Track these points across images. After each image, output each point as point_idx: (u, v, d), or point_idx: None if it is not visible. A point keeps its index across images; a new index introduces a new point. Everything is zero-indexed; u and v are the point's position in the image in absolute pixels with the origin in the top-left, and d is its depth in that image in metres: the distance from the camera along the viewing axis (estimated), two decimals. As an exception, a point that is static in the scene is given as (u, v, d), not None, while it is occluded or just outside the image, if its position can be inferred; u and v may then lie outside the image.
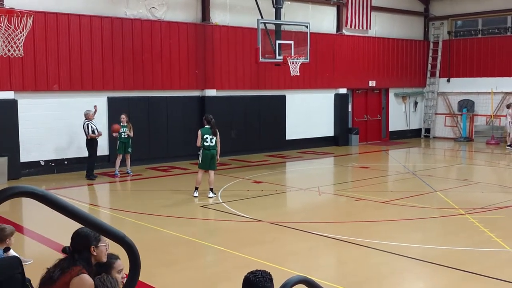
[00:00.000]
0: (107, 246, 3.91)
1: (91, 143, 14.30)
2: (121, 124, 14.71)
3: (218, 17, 18.42)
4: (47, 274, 3.82)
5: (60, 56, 15.15)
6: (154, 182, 14.23)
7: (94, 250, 3.88)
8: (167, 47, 17.17)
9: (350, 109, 22.92)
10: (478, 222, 9.76)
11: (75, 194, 12.42)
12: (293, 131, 20.60)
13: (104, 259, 3.93)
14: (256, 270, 3.43)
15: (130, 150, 14.93)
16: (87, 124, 14.20)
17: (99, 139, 14.71)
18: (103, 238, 3.88)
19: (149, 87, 16.96)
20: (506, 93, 23.16)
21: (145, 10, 16.86)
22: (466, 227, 9.60)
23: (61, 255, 3.97)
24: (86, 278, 3.71)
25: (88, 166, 14.47)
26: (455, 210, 10.75)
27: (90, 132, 14.13)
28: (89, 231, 3.86)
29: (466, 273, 7.24)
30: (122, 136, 14.71)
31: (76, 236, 3.91)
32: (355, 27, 22.52)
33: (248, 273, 3.40)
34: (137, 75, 16.63)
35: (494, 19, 24.29)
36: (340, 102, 22.15)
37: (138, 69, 16.63)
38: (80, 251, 3.84)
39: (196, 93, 18.13)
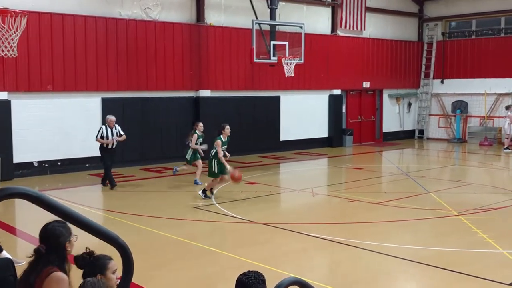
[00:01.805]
0: (76, 239, 3.83)
1: (101, 148, 13.29)
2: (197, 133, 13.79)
3: (213, 18, 18.43)
4: (23, 277, 3.74)
5: (54, 56, 15.11)
6: (148, 184, 14.22)
7: (68, 246, 3.80)
8: (161, 48, 17.16)
9: (344, 110, 22.97)
10: (471, 223, 9.81)
11: (68, 195, 12.39)
12: (287, 132, 20.62)
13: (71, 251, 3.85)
14: (249, 271, 3.44)
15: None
16: (100, 128, 13.32)
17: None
18: (72, 230, 3.78)
19: (143, 88, 16.94)
20: (500, 94, 23.27)
21: (139, 11, 16.85)
22: (459, 228, 9.64)
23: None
24: (59, 275, 3.64)
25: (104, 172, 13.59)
26: (448, 211, 10.80)
27: (99, 136, 13.10)
28: (61, 227, 3.74)
29: (459, 274, 7.27)
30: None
31: (49, 235, 3.77)
32: (349, 28, 22.57)
33: (240, 274, 3.41)
34: (131, 76, 16.61)
35: (488, 20, 24.40)
36: (334, 103, 22.19)
37: (132, 70, 16.62)
38: (55, 250, 3.74)
39: (190, 93, 18.12)
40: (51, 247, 3.74)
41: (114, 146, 13.21)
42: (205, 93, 18.26)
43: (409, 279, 7.48)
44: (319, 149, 21.15)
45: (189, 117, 17.79)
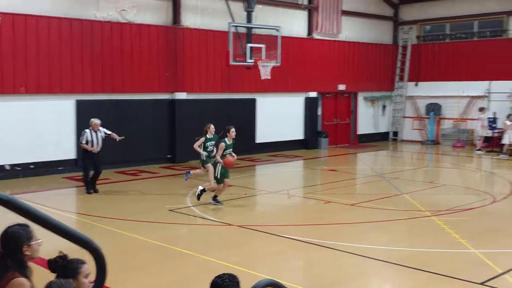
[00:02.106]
0: (40, 243, 3.74)
1: (84, 153, 12.86)
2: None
3: (189, 20, 18.39)
4: None
5: (28, 58, 14.91)
6: (123, 186, 14.11)
7: (27, 250, 3.67)
8: (137, 50, 17.06)
9: (319, 113, 23.10)
10: (444, 224, 9.96)
11: (41, 199, 12.23)
12: (263, 134, 20.67)
13: (37, 257, 3.76)
14: (223, 273, 3.45)
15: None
16: (84, 132, 12.79)
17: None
18: (35, 235, 3.69)
19: (118, 90, 16.82)
20: (473, 97, 23.64)
21: (115, 13, 16.73)
22: (432, 229, 9.78)
23: None
24: (21, 281, 3.55)
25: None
26: (422, 212, 10.95)
27: (83, 141, 12.64)
28: (20, 230, 3.64)
29: (432, 274, 7.38)
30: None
31: (8, 239, 3.65)
32: (325, 31, 22.72)
33: (215, 277, 3.42)
34: (106, 78, 16.48)
35: (461, 24, 24.79)
36: (310, 106, 22.32)
37: (108, 72, 16.49)
38: (12, 254, 3.62)
39: (166, 96, 18.05)
40: (10, 251, 3.63)
41: (98, 150, 12.79)
42: (181, 95, 18.21)
43: (383, 280, 7.56)
44: (294, 151, 21.24)
45: (165, 120, 17.73)
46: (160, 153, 17.77)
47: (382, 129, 26.04)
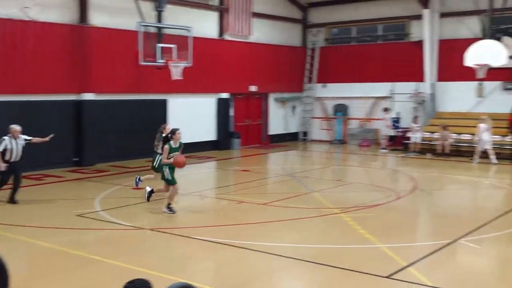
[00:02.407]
0: None
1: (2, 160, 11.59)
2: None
3: (97, 19, 17.84)
4: None
5: None
6: (26, 192, 13.45)
7: None
8: (41, 49, 16.32)
9: (231, 114, 23.20)
10: (352, 220, 10.30)
11: None
12: (175, 136, 20.44)
13: None
14: (135, 279, 3.38)
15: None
16: (2, 139, 11.62)
17: None
18: None
19: (21, 91, 16.04)
20: (378, 97, 24.63)
21: (17, 10, 15.93)
22: (341, 226, 10.09)
23: None
24: None
25: None
26: (330, 210, 11.27)
27: (0, 149, 11.52)
28: None
29: (341, 270, 7.60)
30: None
31: None
32: (236, 33, 22.85)
33: (126, 282, 3.34)
34: (8, 78, 15.65)
35: (367, 28, 25.77)
36: (222, 107, 22.37)
37: (9, 72, 15.67)
38: None
39: (72, 97, 17.42)
40: None
41: (18, 158, 11.81)
42: (89, 96, 17.64)
43: (294, 277, 7.69)
44: (207, 152, 21.21)
45: (71, 122, 17.13)
46: (65, 156, 17.12)
47: (292, 129, 26.55)
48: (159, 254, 8.51)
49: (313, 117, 26.64)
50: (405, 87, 23.75)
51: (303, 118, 26.75)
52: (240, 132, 23.23)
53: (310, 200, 12.47)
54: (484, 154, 18.82)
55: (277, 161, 20.53)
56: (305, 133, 26.78)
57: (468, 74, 20.34)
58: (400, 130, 23.26)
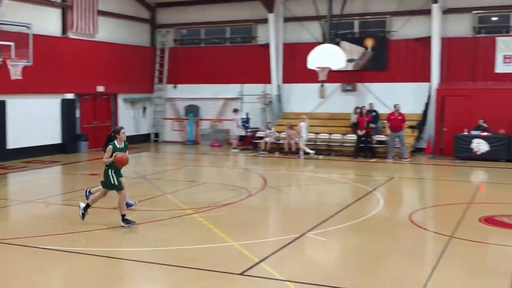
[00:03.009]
0: None
1: None
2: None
3: None
4: None
5: None
6: None
7: None
8: None
9: (78, 115, 22.23)
10: (205, 220, 10.36)
11: None
12: (15, 140, 19.11)
13: None
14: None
15: None
16: None
17: None
18: None
19: None
20: (227, 98, 25.08)
21: None
22: (195, 226, 10.10)
23: None
24: None
25: None
26: (184, 211, 11.23)
27: None
28: None
29: (196, 270, 7.59)
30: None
31: None
32: (81, 31, 21.92)
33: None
34: None
35: (215, 30, 26.11)
36: (67, 108, 21.33)
37: None
38: None
39: None
40: None
41: None
42: None
43: (148, 282, 7.53)
44: (52, 156, 20.09)
45: None
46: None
47: (144, 130, 26.12)
48: (1, 268, 7.85)
49: (165, 118, 26.44)
50: (253, 89, 24.46)
51: (154, 119, 26.43)
52: (88, 134, 22.32)
53: (163, 202, 12.33)
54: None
55: (129, 163, 19.99)
56: (156, 134, 26.48)
57: (311, 76, 21.51)
58: (249, 130, 23.91)
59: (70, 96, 21.58)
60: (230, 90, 24.98)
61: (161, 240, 9.37)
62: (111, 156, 9.93)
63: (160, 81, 26.52)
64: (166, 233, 9.90)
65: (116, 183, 10.07)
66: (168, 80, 26.46)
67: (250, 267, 7.64)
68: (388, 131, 19.86)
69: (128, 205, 10.48)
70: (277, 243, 9.01)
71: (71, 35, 21.59)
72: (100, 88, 23.10)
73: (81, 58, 21.97)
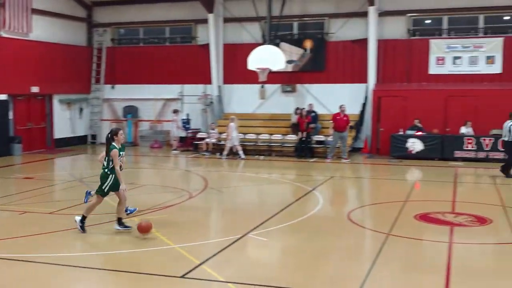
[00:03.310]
0: None
1: None
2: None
3: None
4: None
5: None
6: None
7: None
8: None
9: (11, 117, 21.45)
10: (145, 223, 10.17)
11: None
12: None
13: None
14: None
15: None
16: None
17: None
18: None
19: None
20: (167, 99, 24.82)
21: None
22: (134, 229, 9.90)
23: None
24: None
25: None
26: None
27: None
28: None
29: (135, 274, 7.46)
30: None
31: None
32: (14, 30, 21.17)
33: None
34: None
35: (155, 29, 25.78)
36: (0, 109, 20.57)
37: None
38: None
39: None
40: None
41: None
42: None
43: (87, 287, 7.35)
44: (-17, 159, 19.31)
45: None
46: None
47: (80, 132, 25.50)
48: None
49: (102, 119, 25.89)
50: (194, 89, 24.32)
51: (91, 121, 25.84)
52: (22, 137, 21.57)
53: (101, 205, 11.97)
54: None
55: (65, 166, 19.51)
56: (94, 136, 25.89)
57: (251, 77, 21.59)
58: (190, 131, 23.75)
59: (3, 97, 20.80)
60: (170, 90, 24.73)
61: (99, 244, 9.16)
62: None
63: (98, 81, 25.96)
64: (105, 237, 9.68)
65: (106, 189, 9.65)
66: (106, 81, 25.94)
67: (191, 270, 7.58)
68: (331, 131, 20.14)
69: (130, 211, 10.42)
70: (219, 244, 8.98)
71: (3, 34, 20.83)
72: (35, 89, 22.38)
73: (15, 58, 21.24)
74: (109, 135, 9.62)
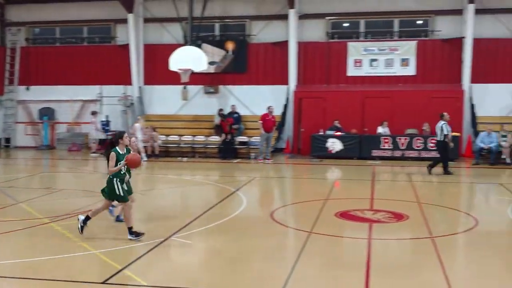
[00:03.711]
0: None
1: None
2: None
3: None
4: None
5: None
6: None
7: None
8: None
9: None
10: (63, 229, 9.84)
11: None
12: None
13: None
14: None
15: None
16: None
17: None
18: None
19: None
20: (85, 100, 24.13)
21: None
22: (52, 236, 9.55)
23: None
24: None
25: None
26: (40, 220, 10.59)
27: None
28: None
29: (54, 282, 7.18)
30: None
31: None
32: None
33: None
34: None
35: (72, 29, 25.01)
36: None
37: None
38: None
39: None
40: None
41: None
42: None
43: (0, 298, 7.00)
44: None
45: None
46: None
47: (-7, 135, 24.34)
48: None
49: (17, 122, 24.84)
50: (114, 90, 23.80)
51: (5, 123, 24.74)
52: None
53: (16, 211, 11.53)
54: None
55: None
56: (8, 140, 24.78)
57: (173, 78, 21.39)
58: (110, 133, 23.19)
59: None
60: (88, 91, 24.08)
61: (13, 252, 8.75)
62: (116, 164, 9.02)
63: (11, 82, 24.87)
64: (20, 244, 9.27)
65: (122, 193, 9.22)
66: (20, 82, 24.89)
67: (113, 275, 7.38)
68: (262, 131, 20.23)
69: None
70: (141, 248, 8.80)
71: None
72: None
73: None
74: (114, 138, 9.22)
